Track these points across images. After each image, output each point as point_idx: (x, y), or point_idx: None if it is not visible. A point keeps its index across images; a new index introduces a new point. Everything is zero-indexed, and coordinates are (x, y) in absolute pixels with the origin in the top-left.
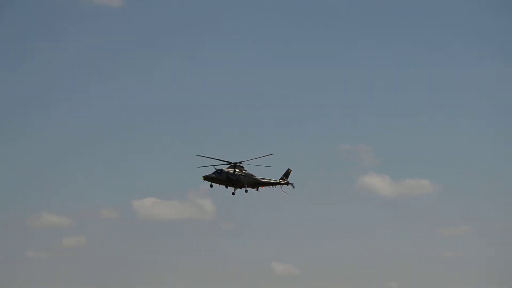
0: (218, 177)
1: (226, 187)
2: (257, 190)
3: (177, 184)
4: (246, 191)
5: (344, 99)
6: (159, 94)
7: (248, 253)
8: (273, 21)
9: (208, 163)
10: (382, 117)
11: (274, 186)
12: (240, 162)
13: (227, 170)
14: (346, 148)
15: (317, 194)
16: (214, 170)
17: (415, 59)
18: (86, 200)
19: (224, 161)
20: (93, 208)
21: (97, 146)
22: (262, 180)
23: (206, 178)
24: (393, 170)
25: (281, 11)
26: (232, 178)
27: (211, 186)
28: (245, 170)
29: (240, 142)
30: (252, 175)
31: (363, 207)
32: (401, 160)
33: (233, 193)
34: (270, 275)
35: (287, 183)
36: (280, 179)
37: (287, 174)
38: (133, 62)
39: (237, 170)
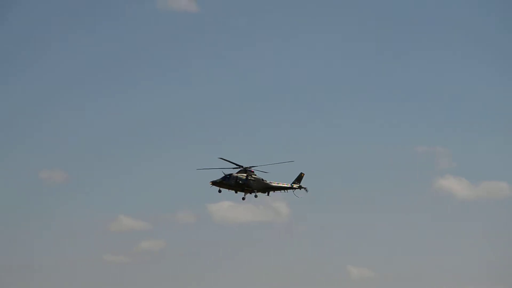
0: (227, 182)
1: (236, 192)
2: (268, 195)
3: None
4: (255, 196)
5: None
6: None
7: (323, 256)
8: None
9: (210, 166)
10: (459, 118)
11: (286, 191)
12: (250, 167)
13: (236, 175)
14: (423, 150)
15: (392, 196)
16: (223, 175)
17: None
18: (163, 203)
19: (237, 164)
20: (170, 212)
21: (172, 148)
22: (273, 184)
23: (214, 183)
24: (471, 172)
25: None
26: (241, 183)
27: (220, 191)
28: (255, 175)
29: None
30: (262, 179)
31: (440, 210)
32: (478, 162)
33: (243, 198)
34: (346, 278)
35: (300, 188)
36: (292, 183)
37: (299, 178)
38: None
39: (246, 174)
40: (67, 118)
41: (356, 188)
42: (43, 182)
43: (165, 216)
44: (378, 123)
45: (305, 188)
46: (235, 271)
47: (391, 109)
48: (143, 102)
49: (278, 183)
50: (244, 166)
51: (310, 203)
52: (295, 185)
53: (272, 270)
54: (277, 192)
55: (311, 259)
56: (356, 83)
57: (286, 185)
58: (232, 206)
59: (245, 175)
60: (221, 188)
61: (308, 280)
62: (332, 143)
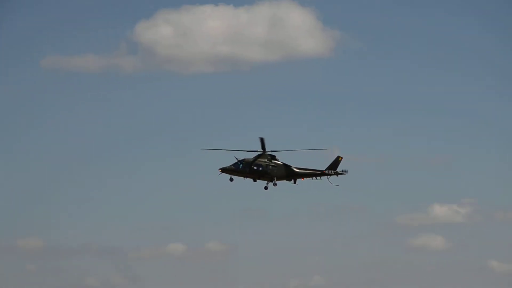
0: (238, 169)
1: (254, 181)
2: (295, 183)
3: None
4: (274, 184)
5: None
6: None
7: None
8: None
9: (216, 147)
10: None
11: (318, 178)
12: (271, 151)
13: (250, 160)
14: None
15: None
16: (236, 160)
17: None
18: None
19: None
20: None
21: None
22: (299, 170)
23: (224, 170)
24: None
25: None
26: (258, 169)
27: (231, 180)
28: (277, 160)
29: None
30: (285, 164)
31: None
32: None
33: (266, 187)
34: None
35: (336, 174)
36: (326, 168)
37: (336, 163)
38: None
39: (264, 160)
40: None
41: None
42: None
43: None
44: None
45: (340, 173)
46: None
47: None
48: None
49: (307, 169)
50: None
51: None
52: (328, 171)
53: None
54: (307, 179)
55: None
56: None
57: (317, 171)
58: None
59: (262, 160)
60: (233, 176)
61: None
62: None
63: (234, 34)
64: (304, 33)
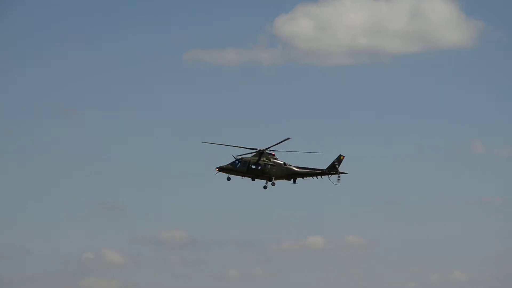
0: (236, 169)
1: (253, 180)
2: (294, 182)
3: None
4: (273, 184)
5: None
6: None
7: None
8: None
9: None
10: None
11: (320, 177)
12: (268, 149)
13: (248, 159)
14: None
15: None
16: (234, 159)
17: None
18: None
19: (250, 148)
20: None
21: None
22: (299, 170)
23: (221, 169)
24: None
25: None
26: (256, 168)
27: (229, 179)
28: (275, 159)
29: None
30: (284, 163)
31: None
32: None
33: (265, 187)
34: None
35: (338, 173)
36: (327, 168)
37: (337, 162)
38: None
39: (263, 158)
40: None
41: None
42: None
43: None
44: None
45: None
46: None
47: None
48: None
49: (306, 168)
50: (260, 148)
51: None
52: (328, 171)
53: None
54: (307, 178)
55: None
56: None
57: (317, 170)
58: None
59: (261, 159)
60: (230, 175)
61: None
62: None
63: (373, 26)
64: (446, 24)
